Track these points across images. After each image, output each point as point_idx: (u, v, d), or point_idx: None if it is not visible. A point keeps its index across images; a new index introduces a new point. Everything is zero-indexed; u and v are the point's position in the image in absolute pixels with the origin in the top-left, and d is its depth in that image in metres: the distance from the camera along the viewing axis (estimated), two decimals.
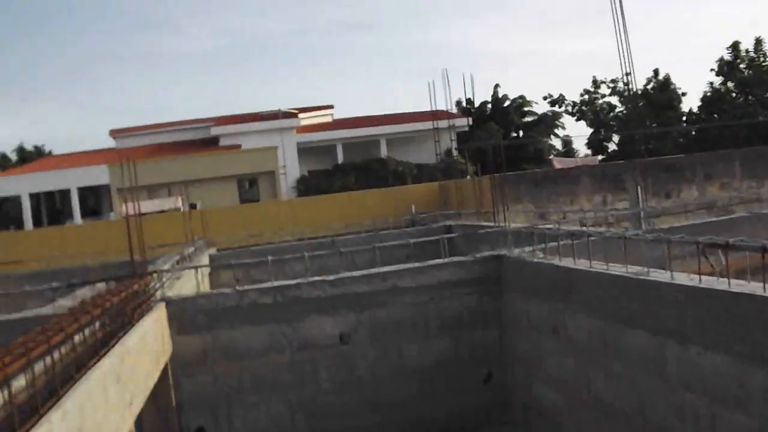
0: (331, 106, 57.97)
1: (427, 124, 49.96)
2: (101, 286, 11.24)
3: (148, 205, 35.42)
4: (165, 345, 9.29)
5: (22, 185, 47.75)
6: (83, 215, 47.36)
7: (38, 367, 5.05)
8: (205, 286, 15.89)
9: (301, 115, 51.16)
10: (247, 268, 16.51)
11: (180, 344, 9.86)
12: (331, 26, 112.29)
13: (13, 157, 64.12)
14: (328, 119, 56.15)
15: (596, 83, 59.07)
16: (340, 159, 49.95)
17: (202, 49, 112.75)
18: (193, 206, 26.73)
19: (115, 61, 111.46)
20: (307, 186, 46.85)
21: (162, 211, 32.07)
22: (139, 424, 7.96)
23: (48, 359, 5.26)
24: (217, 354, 10.11)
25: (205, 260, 18.32)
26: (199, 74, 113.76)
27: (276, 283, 10.29)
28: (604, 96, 59.25)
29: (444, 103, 54.40)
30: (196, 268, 13.02)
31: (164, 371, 9.29)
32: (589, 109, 59.16)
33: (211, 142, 51.13)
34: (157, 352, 8.65)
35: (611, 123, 58.69)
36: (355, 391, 10.57)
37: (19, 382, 4.76)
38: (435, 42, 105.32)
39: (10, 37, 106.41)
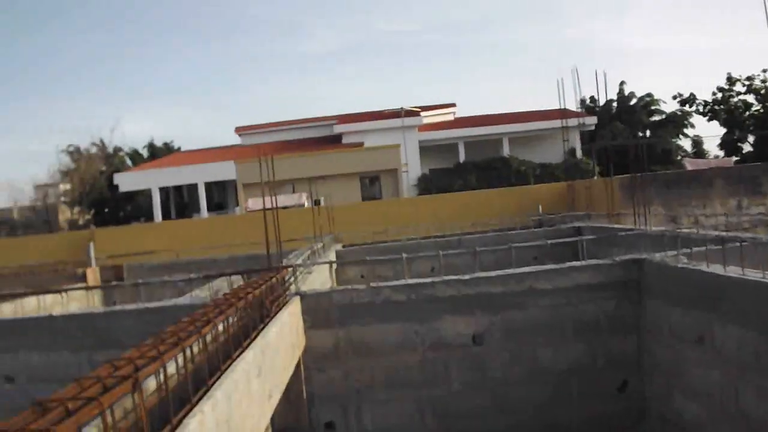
0: (453, 104, 57.77)
1: (551, 123, 49.08)
2: (236, 278, 11.44)
3: (272, 201, 36.07)
4: (299, 338, 9.31)
5: (152, 180, 49.71)
6: (209, 209, 48.87)
7: (186, 355, 5.05)
8: (332, 283, 15.96)
9: (423, 114, 51.19)
10: (373, 265, 16.50)
11: (313, 338, 9.86)
12: (454, 25, 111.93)
13: (145, 153, 66.73)
14: (450, 117, 56.01)
15: (731, 80, 56.17)
16: (462, 157, 49.70)
17: (326, 49, 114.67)
18: (317, 203, 27.04)
19: (241, 60, 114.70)
20: (428, 184, 46.79)
21: (285, 207, 32.62)
22: (271, 416, 7.97)
23: (195, 348, 5.26)
24: (349, 349, 10.05)
25: (332, 256, 18.42)
26: (323, 73, 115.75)
27: (410, 281, 10.15)
28: (739, 94, 56.24)
29: (573, 101, 53.29)
30: (330, 263, 13.05)
31: (297, 364, 9.30)
32: (722, 108, 56.34)
33: (334, 140, 51.80)
34: (293, 345, 8.67)
35: (747, 122, 55.73)
36: (486, 393, 10.31)
37: (169, 370, 4.77)
38: (559, 40, 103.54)
39: (140, 39, 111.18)
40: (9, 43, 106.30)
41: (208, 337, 5.61)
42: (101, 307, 18.36)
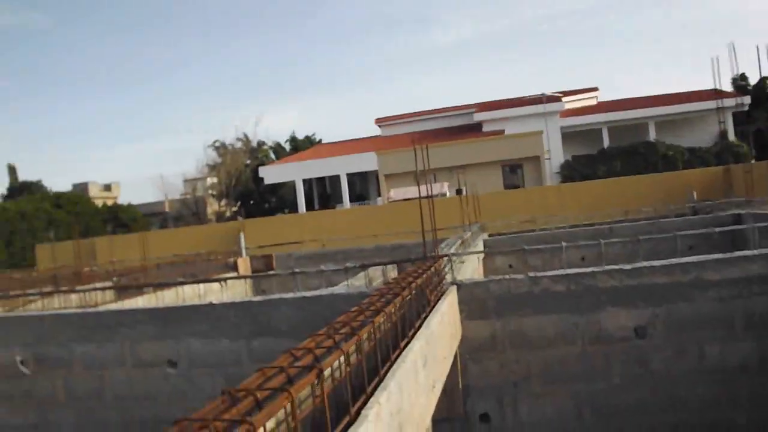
0: (595, 89, 56.13)
1: (700, 105, 46.94)
2: (389, 267, 11.45)
3: (414, 191, 36.26)
4: (456, 329, 9.20)
5: (295, 172, 50.93)
6: (351, 200, 49.59)
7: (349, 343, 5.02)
8: (480, 272, 15.77)
9: (564, 99, 50.04)
10: (522, 255, 16.20)
11: (469, 329, 9.72)
12: (594, 7, 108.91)
13: (287, 146, 68.48)
14: (593, 102, 54.46)
15: None
16: (606, 143, 48.27)
17: (463, 38, 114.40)
18: (459, 192, 26.93)
19: (380, 52, 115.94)
20: (570, 171, 45.76)
21: (427, 197, 32.59)
22: None
23: (364, 336, 5.23)
24: (505, 341, 9.84)
25: (480, 245, 18.22)
26: (462, 62, 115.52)
27: (569, 271, 9.81)
28: None
29: (721, 81, 50.61)
30: (483, 253, 12.87)
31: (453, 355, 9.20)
32: None
33: (475, 128, 51.46)
34: (451, 336, 8.57)
35: None
36: (648, 388, 9.85)
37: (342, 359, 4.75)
38: (705, 16, 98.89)
39: (280, 36, 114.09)
40: (158, 49, 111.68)
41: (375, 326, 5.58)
42: (252, 295, 18.90)
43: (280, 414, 3.64)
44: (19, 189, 65.08)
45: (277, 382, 3.76)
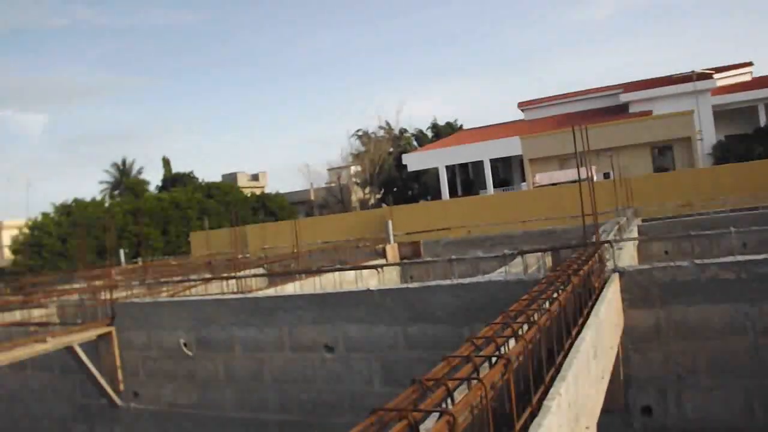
0: (749, 63, 53.22)
1: None
2: (541, 254, 11.28)
3: (560, 176, 35.67)
4: (619, 318, 8.98)
5: (438, 158, 51.13)
6: (494, 185, 49.31)
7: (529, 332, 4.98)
8: (635, 259, 15.31)
9: (716, 76, 47.75)
10: (680, 241, 15.65)
11: (631, 318, 9.45)
12: None
13: (429, 133, 68.87)
14: (747, 78, 51.66)
15: None
16: (762, 121, 45.76)
17: (605, 15, 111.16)
18: (606, 175, 26.24)
19: (521, 35, 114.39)
20: (724, 152, 43.64)
21: (574, 181, 32.01)
22: None
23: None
24: (669, 331, 9.50)
25: (635, 231, 17.70)
26: (606, 41, 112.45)
27: (740, 258, 9.35)
28: None
29: None
30: (636, 240, 12.47)
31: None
32: None
33: (620, 110, 50.03)
34: (615, 325, 8.38)
35: None
36: None
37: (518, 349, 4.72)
38: None
39: (424, 21, 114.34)
40: (304, 41, 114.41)
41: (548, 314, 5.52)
42: (401, 282, 19.10)
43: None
44: (173, 180, 68.37)
45: (464, 371, 3.78)
